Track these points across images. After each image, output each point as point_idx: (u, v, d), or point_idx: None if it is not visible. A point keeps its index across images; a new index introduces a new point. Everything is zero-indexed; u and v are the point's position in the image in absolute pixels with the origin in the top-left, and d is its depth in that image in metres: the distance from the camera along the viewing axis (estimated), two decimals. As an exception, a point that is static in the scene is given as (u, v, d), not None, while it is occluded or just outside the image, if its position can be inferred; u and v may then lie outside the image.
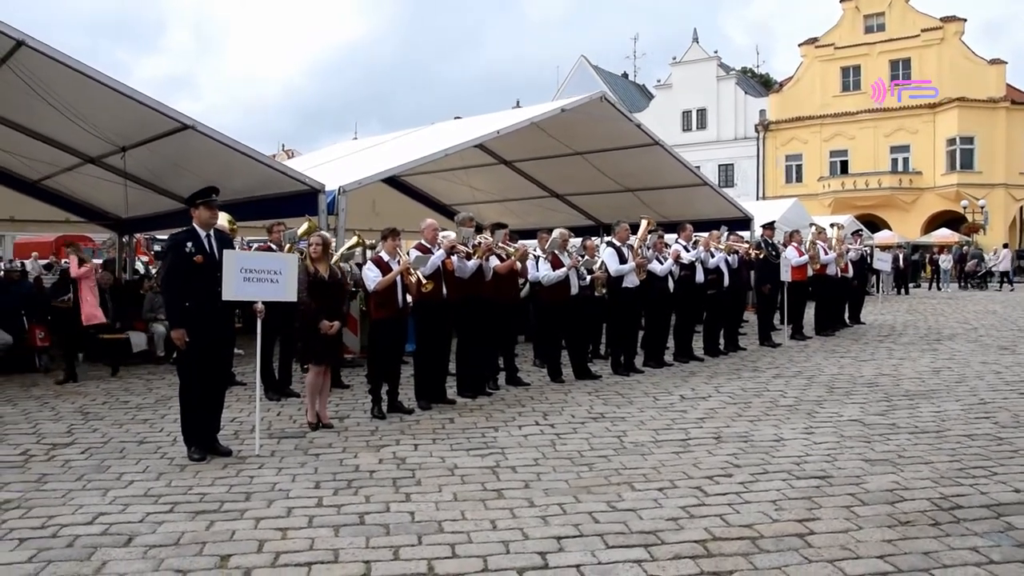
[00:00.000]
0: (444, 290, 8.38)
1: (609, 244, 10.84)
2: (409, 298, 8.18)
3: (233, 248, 6.83)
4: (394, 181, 18.84)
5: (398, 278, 7.92)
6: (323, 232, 10.05)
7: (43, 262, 28.73)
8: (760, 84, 54.78)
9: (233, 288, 6.39)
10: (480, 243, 8.91)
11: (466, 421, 7.73)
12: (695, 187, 17.64)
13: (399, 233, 8.16)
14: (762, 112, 45.48)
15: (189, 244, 6.40)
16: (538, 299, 10.63)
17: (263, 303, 6.70)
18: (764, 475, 5.75)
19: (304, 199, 12.02)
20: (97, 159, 13.41)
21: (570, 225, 16.92)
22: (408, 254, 8.26)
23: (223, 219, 10.81)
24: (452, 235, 8.83)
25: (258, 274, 6.52)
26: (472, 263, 8.71)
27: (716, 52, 47.86)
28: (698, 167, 18.22)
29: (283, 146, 66.20)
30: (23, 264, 15.33)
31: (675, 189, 17.58)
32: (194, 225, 6.51)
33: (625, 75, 59.15)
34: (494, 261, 9.21)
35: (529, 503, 5.18)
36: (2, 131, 12.58)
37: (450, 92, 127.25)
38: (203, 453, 6.44)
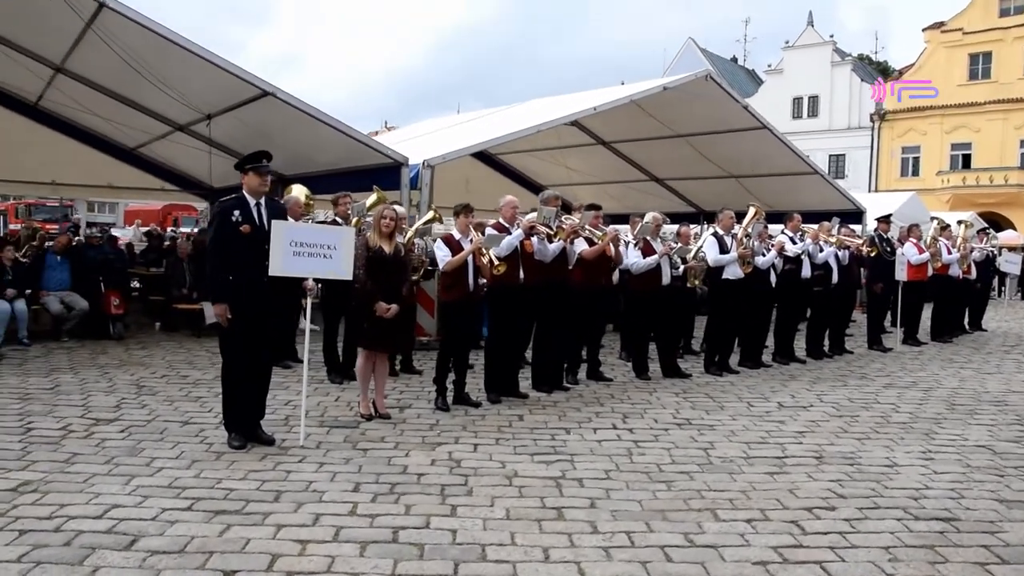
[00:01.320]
0: (521, 274, 7.67)
1: (713, 233, 9.92)
2: (483, 281, 7.51)
3: (285, 219, 6.25)
4: (488, 159, 18.34)
5: (469, 259, 7.24)
6: (396, 205, 9.49)
7: (144, 229, 29.31)
8: (878, 71, 51.97)
9: (281, 263, 5.81)
10: (564, 224, 8.15)
11: (536, 419, 7.01)
12: (803, 175, 16.43)
13: (472, 210, 7.47)
14: (879, 101, 43.02)
15: (236, 213, 5.84)
16: (627, 288, 9.82)
17: (316, 280, 6.11)
18: (875, 511, 4.84)
19: (387, 173, 11.52)
20: (186, 127, 13.28)
21: (670, 211, 16.02)
22: (484, 233, 7.59)
23: (299, 193, 10.37)
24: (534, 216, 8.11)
25: (310, 248, 5.93)
26: (555, 246, 7.96)
27: (832, 36, 45.55)
28: (807, 156, 16.96)
29: (386, 123, 66.35)
30: (103, 229, 15.28)
31: (782, 177, 16.41)
32: (243, 192, 5.96)
33: (734, 59, 57.07)
34: (581, 245, 8.45)
35: (592, 528, 4.42)
36: (98, 98, 12.55)
37: (555, 74, 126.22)
38: (243, 441, 5.91)
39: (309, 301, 6.22)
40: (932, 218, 14.73)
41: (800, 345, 11.16)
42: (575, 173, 17.97)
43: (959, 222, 14.85)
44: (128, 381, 8.27)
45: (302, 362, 9.38)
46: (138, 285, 14.60)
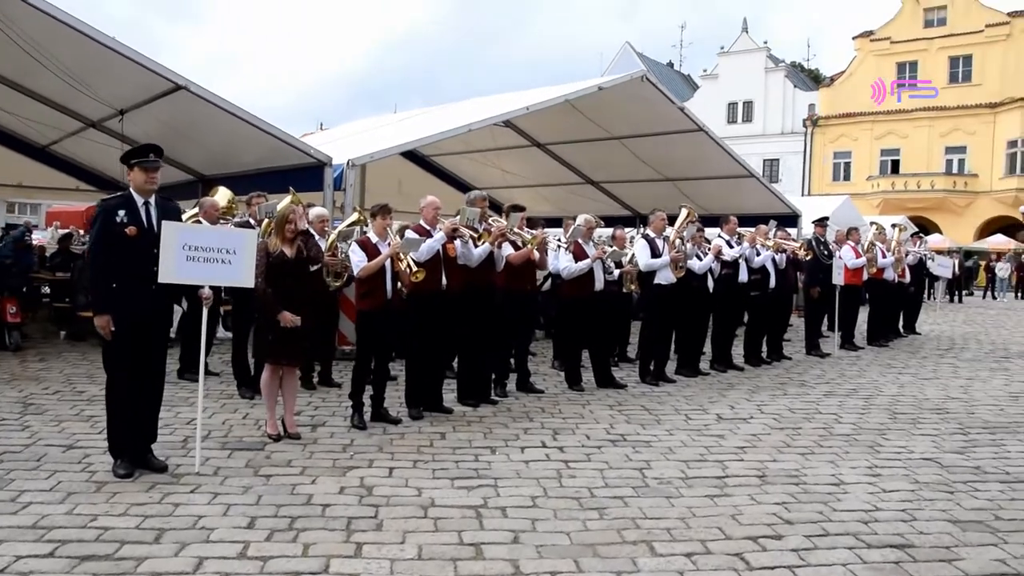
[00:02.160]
0: (444, 279, 7.16)
1: (644, 236, 9.55)
2: (402, 287, 6.95)
3: (180, 219, 5.65)
4: (422, 160, 17.90)
5: (387, 264, 6.69)
6: (316, 207, 8.91)
7: (63, 232, 27.93)
8: (810, 79, 52.76)
9: (173, 269, 5.20)
10: (491, 227, 7.66)
11: (460, 438, 6.49)
12: (740, 179, 16.24)
13: (390, 211, 6.92)
14: (811, 107, 43.55)
15: (121, 213, 5.21)
16: (558, 293, 9.38)
17: (212, 288, 5.50)
18: (824, 538, 4.43)
19: (311, 173, 10.93)
20: (98, 123, 12.53)
21: (606, 215, 15.67)
22: (403, 235, 7.07)
23: (222, 195, 9.71)
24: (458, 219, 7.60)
25: (205, 253, 5.32)
26: (480, 250, 7.45)
27: (766, 43, 46.03)
28: (743, 160, 16.79)
29: (321, 124, 64.95)
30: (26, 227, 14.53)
31: (718, 180, 16.21)
32: (130, 191, 5.33)
33: (671, 64, 57.42)
34: (508, 249, 7.98)
35: (514, 568, 3.92)
36: (1, 90, 11.69)
37: (494, 78, 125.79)
38: (130, 468, 5.28)
39: (205, 311, 5.60)
40: (872, 223, 14.62)
41: (738, 352, 10.86)
42: (510, 175, 17.57)
43: (893, 225, 14.80)
44: (14, 398, 7.52)
45: (214, 375, 8.83)
46: (48, 291, 13.72)
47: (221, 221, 8.53)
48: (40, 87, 11.46)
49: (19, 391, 7.87)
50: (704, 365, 10.22)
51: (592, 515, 4.72)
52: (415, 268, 6.60)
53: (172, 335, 10.59)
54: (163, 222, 5.23)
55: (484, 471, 5.56)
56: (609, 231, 11.25)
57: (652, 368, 9.34)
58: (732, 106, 45.60)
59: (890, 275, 13.48)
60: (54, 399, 7.57)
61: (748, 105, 45.17)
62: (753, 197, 16.37)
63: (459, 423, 6.98)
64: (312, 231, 8.69)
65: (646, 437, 6.66)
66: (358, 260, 6.64)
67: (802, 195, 37.44)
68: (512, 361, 8.67)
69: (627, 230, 12.49)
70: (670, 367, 9.70)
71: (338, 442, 6.23)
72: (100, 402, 7.30)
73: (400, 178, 16.76)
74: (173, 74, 9.89)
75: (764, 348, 11.24)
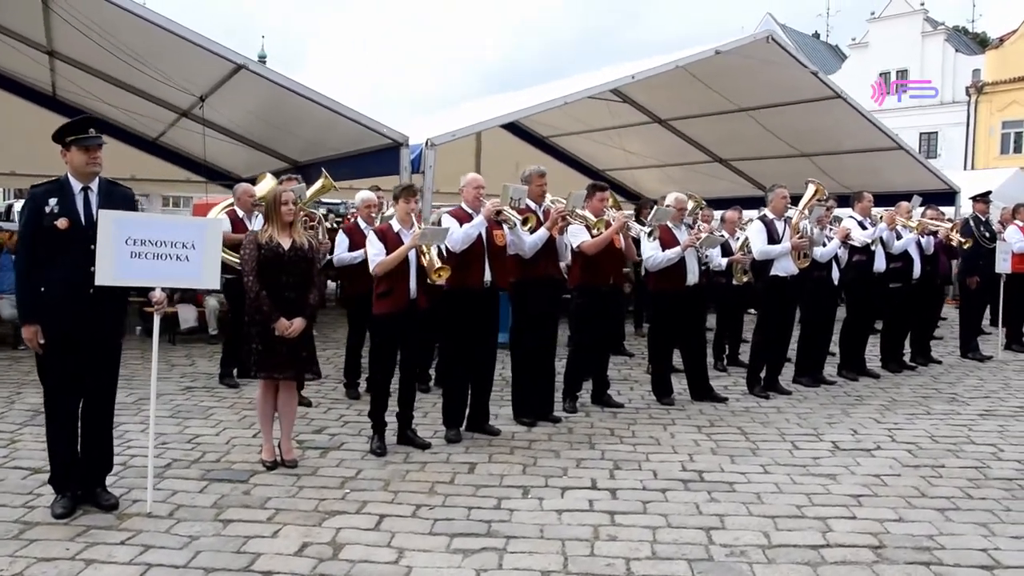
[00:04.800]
0: (487, 274, 5.91)
1: (761, 218, 7.98)
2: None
3: (135, 208, 4.65)
4: (539, 142, 16.79)
5: (411, 257, 5.51)
6: (364, 192, 7.91)
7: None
8: (975, 43, 48.09)
9: (112, 268, 4.21)
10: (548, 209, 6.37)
11: (492, 471, 5.23)
12: (887, 151, 14.15)
13: (416, 193, 5.73)
14: (976, 72, 39.44)
15: (52, 202, 4.26)
16: (645, 287, 8.00)
17: (167, 290, 4.49)
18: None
19: (388, 154, 9.93)
20: (188, 112, 12.01)
21: (736, 196, 13.97)
22: (439, 223, 5.90)
23: (265, 184, 8.83)
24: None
25: (155, 248, 4.31)
26: (536, 236, 6.15)
27: (923, 5, 42.09)
28: (889, 129, 14.67)
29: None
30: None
31: (862, 154, 14.20)
32: (67, 175, 4.38)
33: (816, 35, 53.82)
34: (583, 235, 6.67)
35: None
36: (101, 85, 11.43)
37: (634, 58, 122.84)
38: (70, 506, 4.36)
39: (157, 318, 4.61)
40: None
41: (874, 353, 9.12)
42: (632, 156, 16.17)
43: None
44: (32, 405, 6.82)
45: (247, 378, 7.89)
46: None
47: (257, 211, 7.66)
48: (136, 80, 11.03)
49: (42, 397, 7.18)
50: (831, 371, 8.57)
51: (618, 609, 3.40)
52: (438, 264, 5.38)
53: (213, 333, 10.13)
54: (100, 211, 4.25)
55: (499, 524, 4.30)
56: (720, 212, 9.72)
57: (762, 378, 7.80)
58: (884, 76, 41.95)
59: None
60: (71, 407, 6.83)
61: (902, 74, 41.41)
62: (903, 172, 14.26)
63: (500, 450, 5.72)
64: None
65: (731, 476, 5.20)
66: (375, 253, 5.49)
67: (964, 171, 33.96)
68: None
69: (747, 212, 10.88)
70: (788, 373, 8.14)
71: (341, 473, 5.11)
72: (126, 410, 6.53)
73: (517, 160, 15.62)
74: (232, 53, 9.19)
75: (907, 350, 9.43)
